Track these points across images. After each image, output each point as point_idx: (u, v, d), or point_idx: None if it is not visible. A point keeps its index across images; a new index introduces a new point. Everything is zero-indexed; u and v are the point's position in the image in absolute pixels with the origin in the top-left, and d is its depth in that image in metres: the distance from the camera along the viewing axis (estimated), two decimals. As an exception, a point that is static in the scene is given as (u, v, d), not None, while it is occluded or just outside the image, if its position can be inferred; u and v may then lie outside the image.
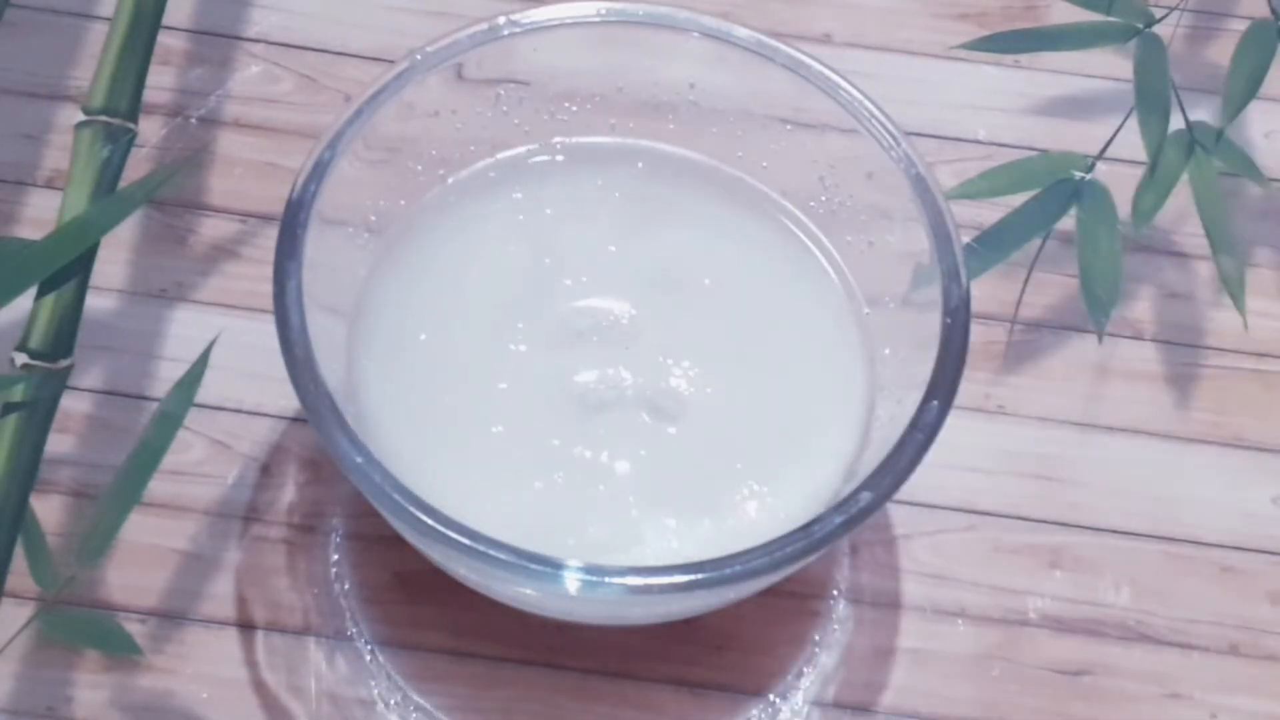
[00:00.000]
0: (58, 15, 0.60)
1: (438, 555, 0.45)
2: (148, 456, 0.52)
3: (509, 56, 0.51)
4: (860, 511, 0.44)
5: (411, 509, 0.43)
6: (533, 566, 0.42)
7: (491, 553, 0.42)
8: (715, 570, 0.43)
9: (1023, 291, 0.57)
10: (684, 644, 0.50)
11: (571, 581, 0.43)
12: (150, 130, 0.58)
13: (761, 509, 0.47)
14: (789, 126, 0.52)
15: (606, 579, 0.43)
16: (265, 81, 0.59)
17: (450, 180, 0.52)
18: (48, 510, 0.51)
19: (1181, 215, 0.59)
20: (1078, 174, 0.59)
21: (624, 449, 0.48)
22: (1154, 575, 0.52)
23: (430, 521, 0.43)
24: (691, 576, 0.43)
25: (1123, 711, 0.50)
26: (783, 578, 0.45)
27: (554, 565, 0.42)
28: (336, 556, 0.51)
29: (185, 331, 0.54)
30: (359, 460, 0.43)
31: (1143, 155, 0.60)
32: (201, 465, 0.52)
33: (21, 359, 0.54)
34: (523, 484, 0.47)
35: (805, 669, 0.50)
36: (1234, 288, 0.57)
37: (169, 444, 0.52)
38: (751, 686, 0.50)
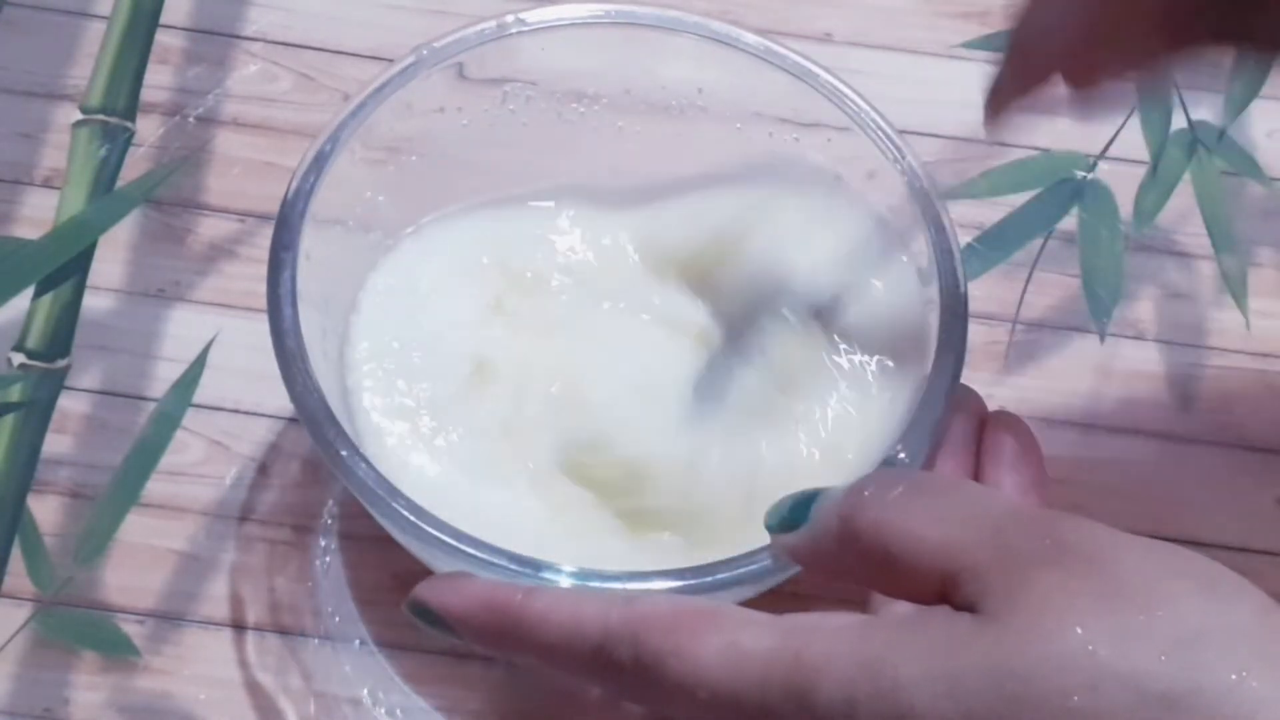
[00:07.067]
0: (55, 14, 0.60)
1: (427, 557, 0.45)
2: (145, 457, 0.52)
3: (515, 56, 0.50)
4: (858, 514, 0.43)
5: (400, 509, 0.42)
6: (525, 571, 0.42)
7: (482, 556, 0.41)
8: (712, 575, 0.42)
9: (1024, 291, 0.57)
10: (682, 646, 0.50)
11: (565, 587, 0.42)
12: (148, 129, 0.58)
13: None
14: (790, 126, 0.51)
15: (600, 585, 0.42)
16: (263, 80, 0.59)
17: (450, 179, 0.52)
18: (45, 511, 0.51)
19: (1183, 215, 0.58)
20: (1079, 173, 0.59)
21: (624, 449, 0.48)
22: (1155, 577, 0.52)
23: (420, 523, 0.42)
24: (687, 582, 0.42)
25: (1123, 714, 0.50)
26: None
27: (547, 570, 0.42)
28: (333, 557, 0.51)
29: (183, 331, 0.54)
30: (344, 454, 0.43)
31: (1145, 154, 0.59)
32: (199, 466, 0.52)
33: (19, 359, 0.54)
34: (518, 486, 0.47)
35: (804, 671, 0.50)
36: (1236, 287, 0.57)
37: (166, 444, 0.52)
38: (750, 688, 0.50)
